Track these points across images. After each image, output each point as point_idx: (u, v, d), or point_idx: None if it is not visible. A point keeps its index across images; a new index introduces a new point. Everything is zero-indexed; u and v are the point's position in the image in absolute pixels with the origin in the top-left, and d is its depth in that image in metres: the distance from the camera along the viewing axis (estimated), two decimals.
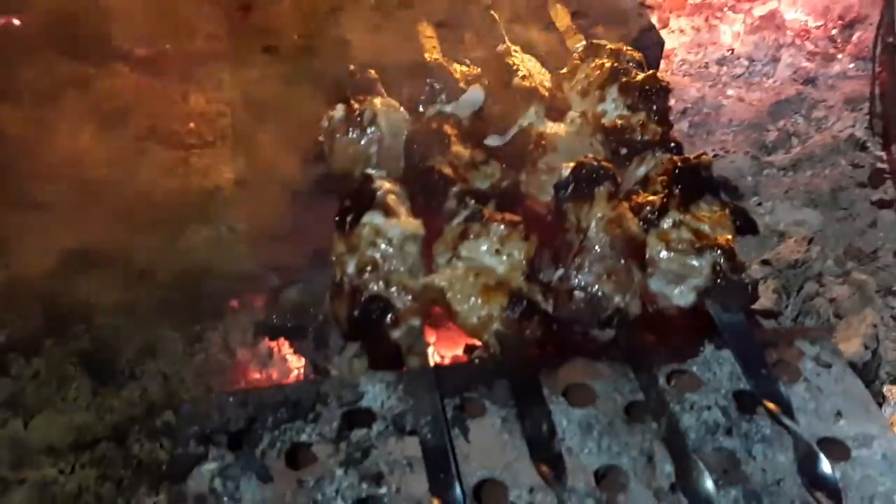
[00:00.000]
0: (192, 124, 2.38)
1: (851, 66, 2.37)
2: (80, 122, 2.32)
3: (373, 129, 1.37)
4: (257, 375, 1.51)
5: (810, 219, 1.97)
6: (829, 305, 1.73)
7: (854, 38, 2.43)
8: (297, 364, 1.54)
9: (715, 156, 2.19)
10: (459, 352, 1.50)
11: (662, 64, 2.40)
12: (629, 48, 1.53)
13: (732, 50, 2.47)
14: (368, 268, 1.18)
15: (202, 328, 1.61)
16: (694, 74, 2.46)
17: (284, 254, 1.61)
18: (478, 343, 1.35)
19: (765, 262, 1.82)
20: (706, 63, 2.47)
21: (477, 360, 1.31)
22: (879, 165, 2.07)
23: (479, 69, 1.53)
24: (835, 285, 1.77)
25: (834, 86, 2.34)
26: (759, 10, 2.50)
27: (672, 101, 2.29)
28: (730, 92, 2.39)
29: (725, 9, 2.53)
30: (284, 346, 1.54)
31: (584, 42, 1.60)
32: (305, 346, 1.38)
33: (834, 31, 2.46)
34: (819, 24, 2.48)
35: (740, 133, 2.26)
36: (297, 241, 1.51)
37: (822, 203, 2.00)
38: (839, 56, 2.41)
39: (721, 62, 2.46)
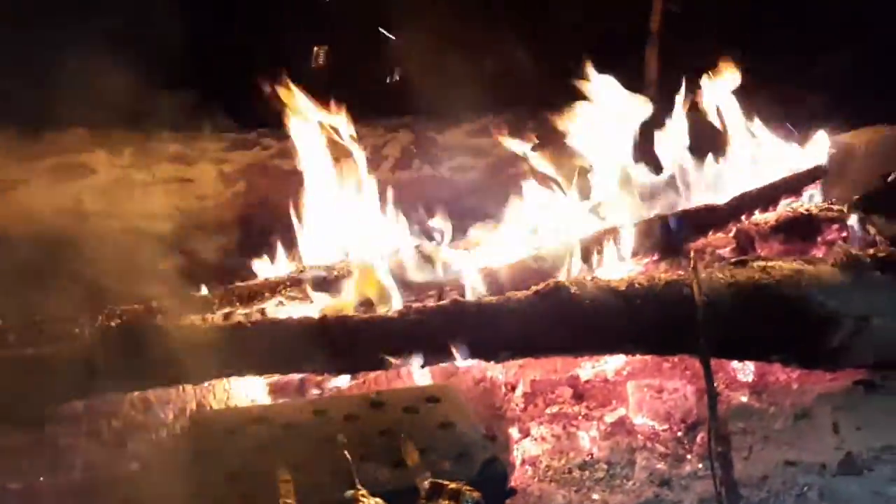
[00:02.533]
0: None
1: (700, 465, 2.55)
2: None
3: None
4: None
5: None
6: None
7: (698, 438, 2.64)
8: None
9: None
10: None
11: (529, 471, 2.55)
12: (468, 488, 1.65)
13: (592, 454, 2.64)
14: None
15: None
16: (559, 480, 2.59)
17: None
18: None
19: None
20: (569, 468, 2.61)
21: None
22: None
23: None
24: None
25: (687, 486, 2.49)
26: (610, 417, 2.72)
27: None
28: (594, 496, 2.50)
29: (580, 417, 2.75)
30: None
31: (429, 480, 1.72)
32: None
33: (679, 434, 2.68)
34: (665, 427, 2.70)
35: None
36: None
37: None
38: (688, 457, 2.59)
39: (583, 467, 2.61)
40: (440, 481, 1.67)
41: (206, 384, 2.41)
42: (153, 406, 2.43)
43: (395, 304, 2.63)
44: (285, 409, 2.14)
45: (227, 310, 2.56)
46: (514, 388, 2.83)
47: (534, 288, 2.47)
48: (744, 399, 2.67)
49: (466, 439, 1.91)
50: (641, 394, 2.75)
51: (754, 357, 2.55)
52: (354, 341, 2.35)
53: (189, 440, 1.95)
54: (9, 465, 2.53)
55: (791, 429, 2.53)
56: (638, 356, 2.75)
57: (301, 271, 2.68)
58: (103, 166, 3.79)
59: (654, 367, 2.83)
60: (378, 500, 1.66)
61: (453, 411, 2.03)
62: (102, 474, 2.25)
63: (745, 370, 2.73)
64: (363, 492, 1.66)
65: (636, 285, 2.45)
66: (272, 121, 3.52)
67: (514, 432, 2.63)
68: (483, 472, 1.82)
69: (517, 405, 2.79)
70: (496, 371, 2.80)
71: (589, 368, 2.85)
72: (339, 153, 3.02)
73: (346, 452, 1.80)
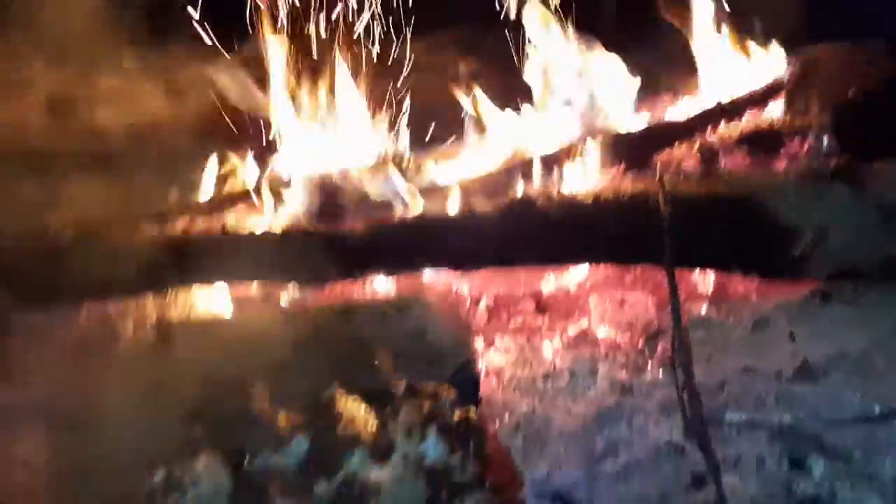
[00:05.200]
0: None
1: (660, 374, 2.61)
2: None
3: (195, 490, 1.38)
4: None
5: None
6: None
7: (659, 348, 2.69)
8: None
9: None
10: None
11: (494, 381, 2.57)
12: (446, 388, 1.66)
13: (555, 365, 2.68)
14: None
15: None
16: (523, 389, 2.62)
17: None
18: None
19: None
20: (533, 378, 2.65)
21: None
22: (698, 469, 2.21)
23: (303, 416, 1.59)
24: None
25: (649, 393, 2.54)
26: (572, 329, 2.76)
27: (507, 418, 2.43)
28: (558, 404, 2.55)
29: (543, 328, 2.78)
30: None
31: (404, 382, 1.72)
32: None
33: (640, 343, 2.73)
34: (626, 337, 2.75)
35: (571, 444, 2.39)
36: None
37: None
38: (649, 365, 2.65)
39: (546, 377, 2.65)
40: (415, 384, 1.68)
41: (167, 295, 2.36)
42: (112, 319, 2.37)
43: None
44: (255, 316, 2.11)
45: (186, 222, 2.50)
46: (478, 302, 2.84)
47: (500, 201, 2.46)
48: (703, 310, 2.72)
49: (439, 344, 1.92)
50: (603, 306, 2.79)
51: (716, 266, 2.59)
52: (322, 254, 2.33)
53: (158, 349, 1.91)
54: None
55: (749, 338, 2.59)
56: (600, 269, 2.78)
57: (262, 183, 2.61)
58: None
59: (615, 279, 2.86)
60: (355, 396, 1.65)
61: (424, 318, 2.03)
62: (64, 390, 2.20)
63: (705, 282, 2.78)
64: (341, 390, 1.65)
65: (602, 198, 2.46)
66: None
67: (478, 344, 2.65)
68: (456, 375, 1.83)
69: (482, 318, 2.81)
70: (461, 285, 2.80)
71: (552, 281, 2.87)
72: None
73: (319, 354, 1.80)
